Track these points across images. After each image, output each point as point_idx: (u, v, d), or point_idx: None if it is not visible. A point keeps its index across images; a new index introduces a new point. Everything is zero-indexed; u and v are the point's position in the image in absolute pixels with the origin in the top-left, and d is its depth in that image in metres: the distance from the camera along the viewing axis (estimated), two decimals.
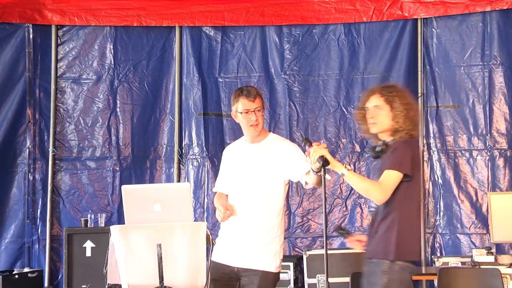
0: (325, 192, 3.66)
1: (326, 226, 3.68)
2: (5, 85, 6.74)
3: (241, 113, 4.19)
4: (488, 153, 6.38)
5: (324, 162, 3.60)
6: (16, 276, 6.11)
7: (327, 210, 4.57)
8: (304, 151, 3.85)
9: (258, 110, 4.17)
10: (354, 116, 4.01)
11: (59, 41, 6.87)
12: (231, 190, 4.27)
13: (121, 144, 6.81)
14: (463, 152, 6.46)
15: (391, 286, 3.65)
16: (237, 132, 6.70)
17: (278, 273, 4.16)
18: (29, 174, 6.70)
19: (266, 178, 4.14)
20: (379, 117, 3.79)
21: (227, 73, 6.84)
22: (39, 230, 6.68)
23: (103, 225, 6.15)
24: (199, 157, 6.69)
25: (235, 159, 4.32)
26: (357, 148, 6.61)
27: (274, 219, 4.14)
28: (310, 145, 3.70)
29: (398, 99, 3.79)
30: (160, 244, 3.80)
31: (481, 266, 5.35)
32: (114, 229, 3.88)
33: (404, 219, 3.70)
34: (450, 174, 6.46)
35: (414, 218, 3.77)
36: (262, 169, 4.15)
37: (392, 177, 3.65)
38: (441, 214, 6.46)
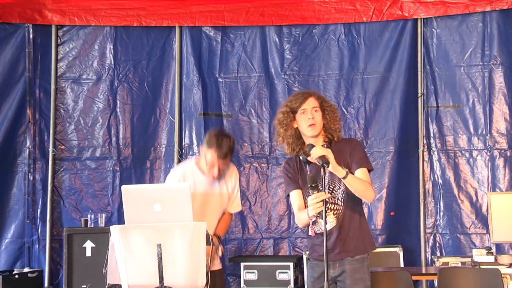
0: (325, 192, 3.69)
1: (326, 225, 3.68)
2: (5, 85, 6.75)
3: (206, 162, 4.47)
4: (488, 153, 6.37)
5: (324, 162, 3.62)
6: (16, 276, 6.11)
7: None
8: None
9: (221, 167, 4.50)
10: (278, 120, 3.93)
11: (59, 41, 6.87)
12: None
13: (121, 144, 6.81)
14: (463, 152, 6.46)
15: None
16: (237, 132, 6.73)
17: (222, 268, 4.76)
18: (29, 174, 6.70)
19: (220, 206, 4.67)
20: (318, 119, 3.85)
21: (227, 73, 6.84)
22: (39, 230, 6.68)
23: (103, 225, 6.14)
24: None
25: (193, 192, 4.47)
26: None
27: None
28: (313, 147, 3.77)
29: (328, 103, 3.93)
30: (160, 244, 3.81)
31: (481, 266, 5.34)
32: (114, 229, 3.88)
33: (363, 210, 3.93)
34: (450, 174, 6.46)
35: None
36: (220, 202, 4.65)
37: (368, 174, 3.85)
38: (441, 214, 6.46)
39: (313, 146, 3.76)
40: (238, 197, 4.74)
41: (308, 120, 3.82)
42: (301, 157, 3.83)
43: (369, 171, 3.87)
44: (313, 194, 3.64)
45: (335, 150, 3.78)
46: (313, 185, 3.64)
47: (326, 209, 3.76)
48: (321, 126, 3.86)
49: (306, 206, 3.79)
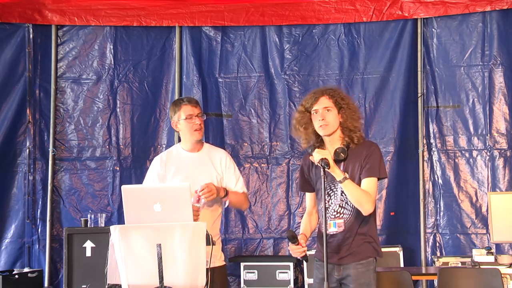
0: (324, 193, 3.70)
1: (326, 226, 3.68)
2: (5, 85, 6.75)
3: (185, 119, 4.39)
4: (488, 153, 6.38)
5: (325, 164, 3.63)
6: (16, 276, 6.11)
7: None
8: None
9: (201, 116, 4.41)
10: (296, 119, 3.92)
11: (59, 41, 6.88)
12: None
13: (121, 144, 6.81)
14: (463, 152, 6.46)
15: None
16: (237, 132, 6.73)
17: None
18: (29, 174, 6.70)
19: (209, 179, 4.35)
20: (330, 119, 3.80)
21: (227, 73, 6.84)
22: (39, 230, 6.68)
23: (103, 225, 6.14)
24: None
25: (178, 168, 4.43)
26: None
27: (218, 222, 4.46)
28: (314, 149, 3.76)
29: (346, 101, 3.85)
30: (160, 244, 3.80)
31: (481, 266, 5.35)
32: (114, 229, 3.87)
33: (375, 216, 3.86)
34: (450, 174, 6.46)
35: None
36: (207, 177, 4.36)
37: (375, 185, 3.76)
38: (441, 214, 6.46)
39: (314, 147, 3.76)
40: (239, 178, 4.48)
41: (319, 121, 3.80)
42: (309, 150, 3.82)
43: (381, 178, 3.82)
44: (292, 246, 3.76)
45: (352, 154, 3.77)
46: (291, 239, 3.76)
47: (335, 212, 3.79)
48: (336, 126, 3.80)
49: (316, 211, 3.98)
